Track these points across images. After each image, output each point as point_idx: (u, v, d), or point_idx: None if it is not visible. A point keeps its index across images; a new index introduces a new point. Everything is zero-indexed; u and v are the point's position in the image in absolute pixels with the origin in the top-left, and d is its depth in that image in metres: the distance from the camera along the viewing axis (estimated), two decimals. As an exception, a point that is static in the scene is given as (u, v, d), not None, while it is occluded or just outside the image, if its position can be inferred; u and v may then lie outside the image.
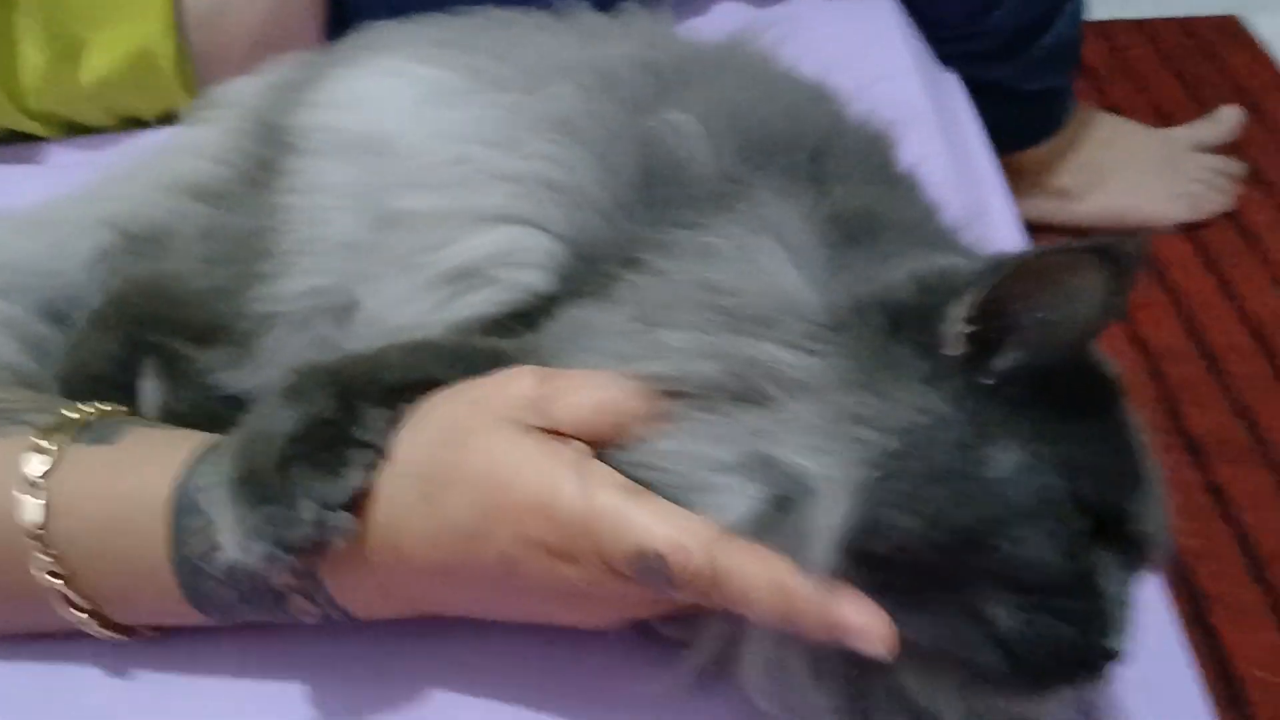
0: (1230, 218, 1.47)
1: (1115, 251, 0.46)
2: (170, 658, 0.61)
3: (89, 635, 0.59)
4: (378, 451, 0.53)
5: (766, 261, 0.53)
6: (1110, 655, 0.49)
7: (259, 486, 0.51)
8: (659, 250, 0.57)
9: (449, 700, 0.59)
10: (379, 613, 0.57)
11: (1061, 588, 0.48)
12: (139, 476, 0.57)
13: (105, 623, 0.58)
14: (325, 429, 0.53)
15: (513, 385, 0.53)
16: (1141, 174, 1.46)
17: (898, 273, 0.52)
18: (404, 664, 0.60)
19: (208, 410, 0.69)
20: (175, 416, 0.69)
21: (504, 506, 0.50)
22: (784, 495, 0.49)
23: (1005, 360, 0.49)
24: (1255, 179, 1.52)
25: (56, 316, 0.75)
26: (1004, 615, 0.48)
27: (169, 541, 0.55)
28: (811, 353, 0.50)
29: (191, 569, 0.55)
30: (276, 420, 0.53)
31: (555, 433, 0.52)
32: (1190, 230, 1.46)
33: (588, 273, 0.60)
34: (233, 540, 0.51)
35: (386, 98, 0.68)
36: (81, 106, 0.92)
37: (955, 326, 0.48)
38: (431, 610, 0.57)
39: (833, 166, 0.62)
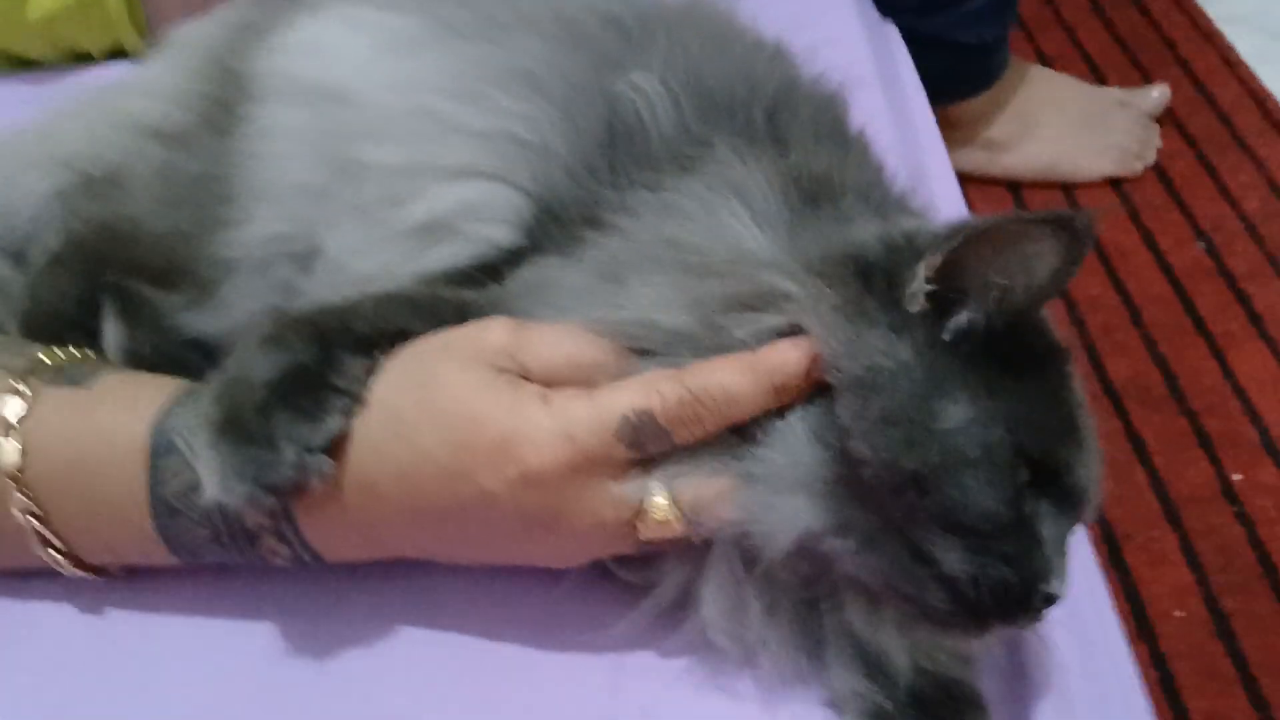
0: (1154, 171, 1.52)
1: (1070, 223, 0.50)
2: (139, 597, 0.62)
3: (61, 574, 0.60)
4: (355, 398, 0.55)
5: (730, 220, 0.56)
6: (1049, 598, 0.52)
7: (241, 429, 0.53)
8: (623, 211, 0.59)
9: (412, 639, 0.61)
10: (348, 555, 0.59)
11: (1003, 533, 0.51)
12: (114, 419, 0.58)
13: (78, 562, 0.60)
14: (305, 375, 0.54)
15: (485, 332, 0.55)
16: (1071, 127, 1.50)
17: (864, 233, 0.55)
18: (368, 605, 0.62)
19: (170, 354, 0.69)
20: (137, 359, 0.70)
21: (479, 444, 0.52)
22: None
23: (961, 319, 0.52)
24: (1180, 133, 1.57)
25: (13, 255, 0.74)
26: (951, 558, 0.51)
27: (145, 482, 0.56)
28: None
29: (166, 509, 0.56)
30: (257, 366, 0.54)
31: (526, 378, 0.54)
32: (1116, 183, 1.51)
33: (553, 229, 0.62)
34: (214, 480, 0.52)
35: (345, 45, 0.69)
36: (28, 42, 0.91)
37: (918, 285, 0.52)
38: (399, 553, 0.59)
39: (788, 126, 0.64)
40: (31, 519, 0.58)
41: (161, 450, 0.56)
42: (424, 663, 0.60)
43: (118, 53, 0.93)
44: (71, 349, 0.63)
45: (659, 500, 0.53)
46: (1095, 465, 0.55)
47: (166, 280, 0.70)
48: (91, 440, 0.58)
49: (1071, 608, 0.58)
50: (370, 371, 0.56)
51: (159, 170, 0.72)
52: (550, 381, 0.54)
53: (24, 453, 0.57)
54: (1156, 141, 1.54)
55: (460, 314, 0.58)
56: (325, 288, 0.65)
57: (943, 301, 0.52)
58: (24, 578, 0.62)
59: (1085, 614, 0.67)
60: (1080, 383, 0.56)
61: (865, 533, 0.52)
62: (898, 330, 0.52)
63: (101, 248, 0.72)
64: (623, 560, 0.58)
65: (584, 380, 0.54)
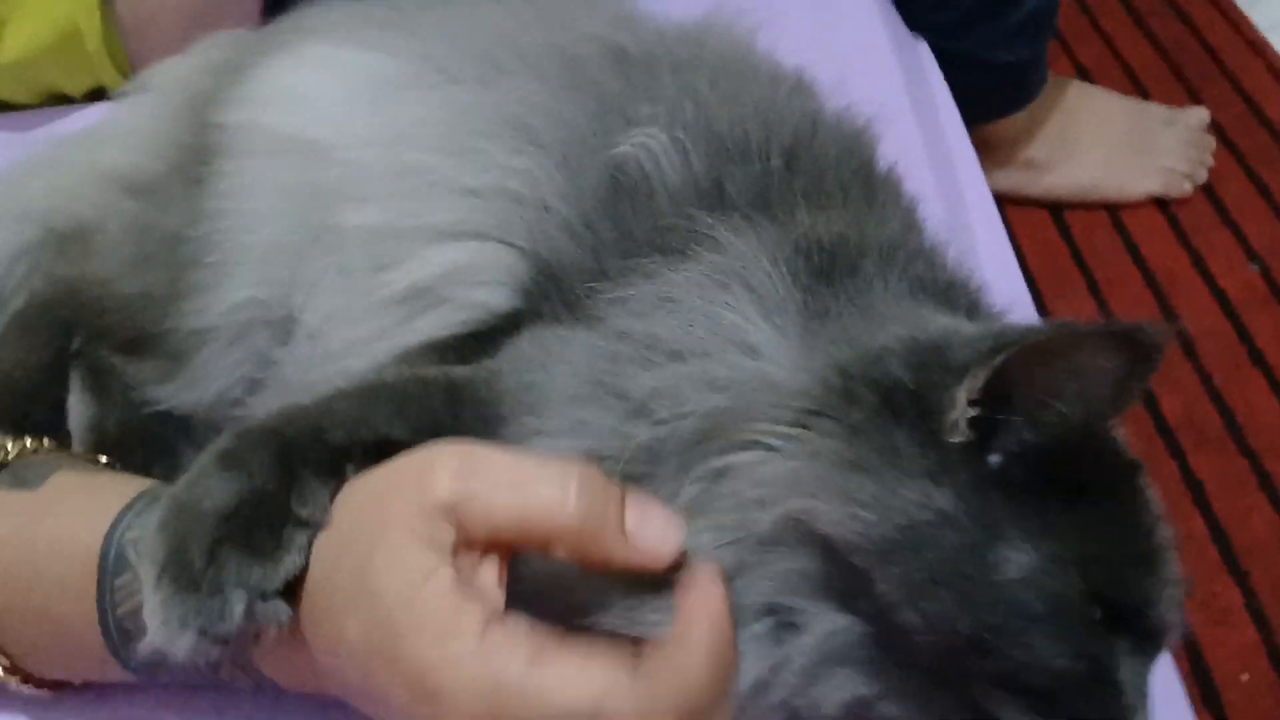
0: (1203, 190, 1.44)
1: (1134, 336, 0.43)
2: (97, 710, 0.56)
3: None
4: (318, 528, 0.48)
5: (735, 329, 0.49)
6: None
7: (185, 572, 0.46)
8: (621, 296, 0.53)
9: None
10: (309, 690, 0.52)
11: (1075, 688, 0.44)
12: (64, 529, 0.52)
13: (27, 678, 0.54)
14: (262, 504, 0.47)
15: (428, 480, 0.45)
16: (1114, 146, 1.43)
17: (886, 339, 0.47)
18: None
19: (139, 429, 0.65)
20: (103, 436, 0.65)
21: (399, 663, 0.44)
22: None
23: (1011, 444, 0.45)
24: (1228, 149, 1.49)
25: (-27, 319, 0.69)
26: (1012, 718, 0.44)
27: (96, 598, 0.50)
28: (793, 438, 0.46)
29: (120, 632, 0.51)
30: (210, 492, 0.47)
31: (469, 545, 0.45)
32: (1163, 204, 1.43)
33: (553, 292, 0.56)
34: (156, 625, 0.46)
35: (320, 94, 0.63)
36: (3, 84, 0.86)
37: (958, 412, 0.44)
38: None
39: (808, 171, 0.58)
40: None
41: (113, 567, 0.50)
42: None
43: (98, 93, 0.87)
44: (25, 440, 0.58)
45: None
46: (1177, 590, 0.48)
47: (136, 349, 0.66)
48: (39, 552, 0.52)
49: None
50: (335, 494, 0.48)
51: (130, 227, 0.68)
52: (498, 543, 0.45)
53: None
54: (1208, 160, 1.46)
55: (452, 400, 0.52)
56: (304, 359, 0.60)
57: (986, 425, 0.45)
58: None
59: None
60: (1154, 497, 0.49)
61: (919, 696, 0.45)
62: (934, 473, 0.44)
63: (68, 311, 0.67)
64: None
65: (540, 542, 0.45)
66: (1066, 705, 0.44)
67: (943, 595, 0.43)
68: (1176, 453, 1.11)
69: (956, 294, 0.54)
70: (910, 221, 0.61)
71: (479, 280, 0.57)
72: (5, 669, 0.53)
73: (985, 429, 0.45)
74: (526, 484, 0.45)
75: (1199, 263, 1.35)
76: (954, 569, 0.43)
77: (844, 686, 0.46)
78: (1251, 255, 1.36)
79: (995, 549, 0.44)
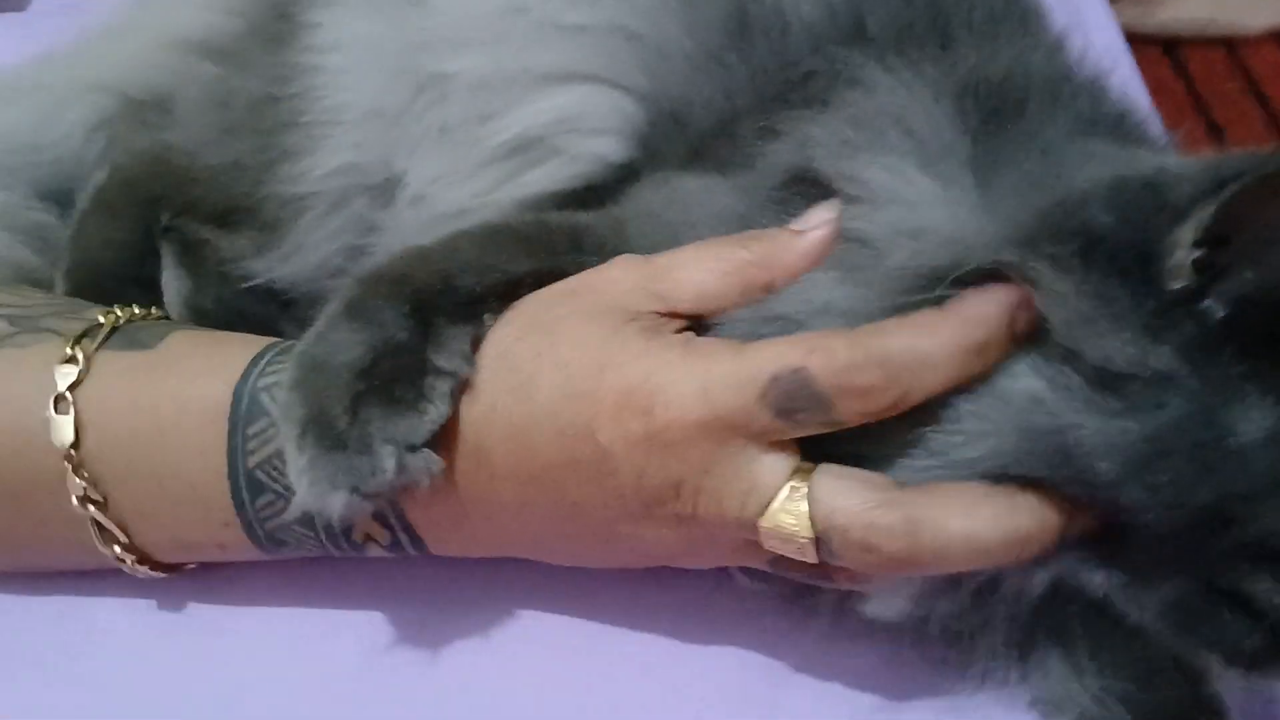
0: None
1: None
2: (216, 595, 0.54)
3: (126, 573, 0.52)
4: (461, 378, 0.45)
5: (904, 188, 0.45)
6: None
7: (329, 430, 0.44)
8: (766, 132, 0.49)
9: (530, 636, 0.53)
10: (454, 544, 0.50)
11: None
12: (189, 382, 0.49)
13: (143, 558, 0.51)
14: (399, 357, 0.45)
15: (610, 273, 0.46)
16: (1231, -25, 1.35)
17: (1081, 181, 0.42)
18: (477, 601, 0.53)
19: (238, 306, 0.62)
20: (202, 314, 0.62)
21: (601, 393, 0.43)
22: None
23: (1237, 290, 0.40)
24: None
25: (55, 198, 0.66)
26: (1264, 588, 0.41)
27: (225, 450, 0.48)
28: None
29: (250, 483, 0.48)
30: (342, 347, 0.45)
31: (672, 314, 0.45)
32: (1285, 36, 1.35)
33: (676, 137, 0.52)
34: (304, 487, 0.44)
35: None
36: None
37: (1182, 255, 0.40)
38: (509, 545, 0.50)
39: (955, 2, 0.53)
40: (90, 507, 0.49)
41: (245, 414, 0.48)
42: (539, 664, 0.52)
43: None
44: (133, 307, 0.54)
45: (792, 503, 0.42)
46: None
47: (228, 221, 0.63)
48: (161, 408, 0.49)
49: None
50: (478, 341, 0.46)
51: (212, 92, 0.64)
52: (704, 304, 0.45)
53: (81, 428, 0.48)
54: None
55: (575, 244, 0.49)
56: (409, 224, 0.57)
57: (1215, 270, 0.40)
58: (88, 578, 0.54)
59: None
60: None
61: (1139, 568, 0.42)
62: (1155, 325, 0.40)
63: (153, 185, 0.64)
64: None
65: (744, 290, 0.45)
66: None
67: (1173, 466, 0.39)
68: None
69: (1128, 128, 0.49)
70: (1066, 53, 0.55)
71: (593, 128, 0.53)
72: (123, 546, 0.50)
73: (1216, 273, 0.40)
74: (707, 248, 0.46)
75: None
76: (1181, 435, 0.39)
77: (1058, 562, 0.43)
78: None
79: (1230, 409, 0.39)
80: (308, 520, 0.48)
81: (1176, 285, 0.40)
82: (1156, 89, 1.30)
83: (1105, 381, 0.40)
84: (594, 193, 0.53)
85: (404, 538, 0.49)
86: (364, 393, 0.44)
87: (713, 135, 0.52)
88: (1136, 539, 0.41)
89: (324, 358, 0.45)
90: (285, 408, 0.45)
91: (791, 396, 0.41)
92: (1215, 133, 1.24)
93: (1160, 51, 1.33)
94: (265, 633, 0.53)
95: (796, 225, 0.45)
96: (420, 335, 0.45)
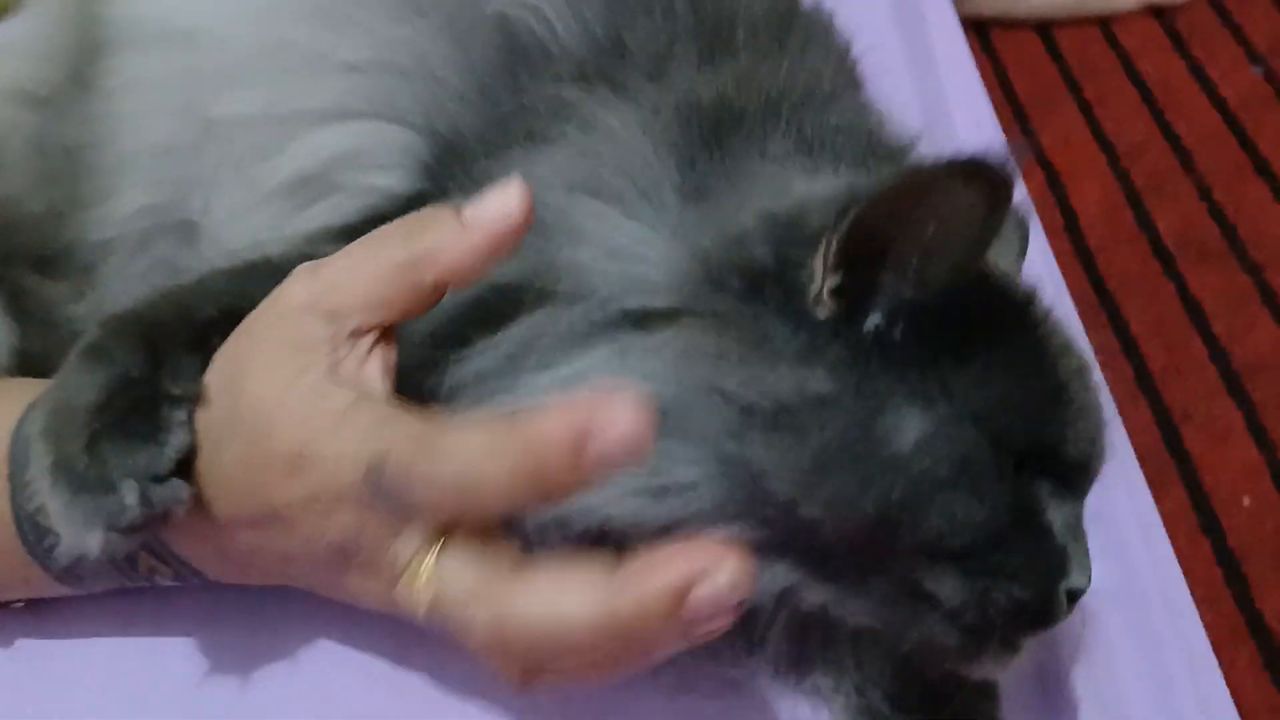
0: (1200, -7, 1.37)
1: (981, 169, 0.40)
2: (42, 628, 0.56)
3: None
4: (192, 402, 0.46)
5: (598, 229, 0.46)
6: (1075, 594, 0.44)
7: (73, 473, 0.45)
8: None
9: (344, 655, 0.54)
10: (237, 578, 0.51)
11: (1000, 541, 0.43)
12: None
13: None
14: (132, 390, 0.46)
15: (283, 299, 0.46)
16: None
17: (747, 216, 0.44)
18: (294, 613, 0.54)
19: (63, 351, 0.62)
20: (29, 359, 0.63)
21: (270, 459, 0.44)
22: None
23: (889, 305, 0.42)
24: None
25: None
26: (948, 590, 0.43)
27: (10, 495, 0.49)
28: (661, 330, 0.44)
29: (34, 528, 0.49)
30: (79, 388, 0.46)
31: (353, 332, 0.45)
32: (1157, 11, 1.36)
33: (457, 168, 0.53)
34: (65, 530, 0.45)
35: None
36: (-95, 5, 0.82)
37: (818, 284, 0.42)
38: (286, 581, 0.51)
39: (715, 15, 0.55)
40: None
41: (19, 461, 0.49)
42: (354, 680, 0.53)
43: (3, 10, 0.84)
44: None
45: (422, 576, 0.42)
46: (1096, 418, 0.46)
47: (48, 267, 0.63)
48: None
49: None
50: (206, 364, 0.48)
51: (31, 140, 0.65)
52: (380, 320, 0.45)
53: None
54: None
55: None
56: (211, 262, 0.57)
57: (855, 292, 0.42)
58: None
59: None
60: (1056, 329, 0.46)
61: (840, 577, 0.44)
62: (807, 351, 0.42)
63: (-19, 235, 0.65)
64: None
65: (417, 296, 0.45)
66: (996, 560, 0.43)
67: (836, 479, 0.41)
68: (1173, 273, 1.07)
69: (846, 142, 0.50)
70: (828, 62, 0.57)
71: (373, 164, 0.54)
72: None
73: (856, 295, 0.42)
74: (370, 252, 0.45)
75: (1197, 70, 1.28)
76: (841, 451, 0.41)
77: (770, 580, 0.44)
78: (1254, 57, 1.30)
79: (882, 421, 0.41)
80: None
81: (822, 314, 0.42)
82: (1030, 71, 1.33)
83: (772, 412, 0.42)
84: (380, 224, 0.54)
85: (183, 569, 0.50)
86: (99, 431, 0.45)
87: (487, 166, 0.52)
88: (834, 552, 0.43)
89: (64, 402, 0.46)
90: (37, 456, 0.46)
91: (380, 484, 0.41)
92: (1088, 109, 1.26)
93: (1033, 33, 1.35)
94: (90, 664, 0.54)
95: (467, 211, 0.45)
96: (153, 367, 0.46)
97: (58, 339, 0.63)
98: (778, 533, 0.43)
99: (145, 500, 0.44)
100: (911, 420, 0.42)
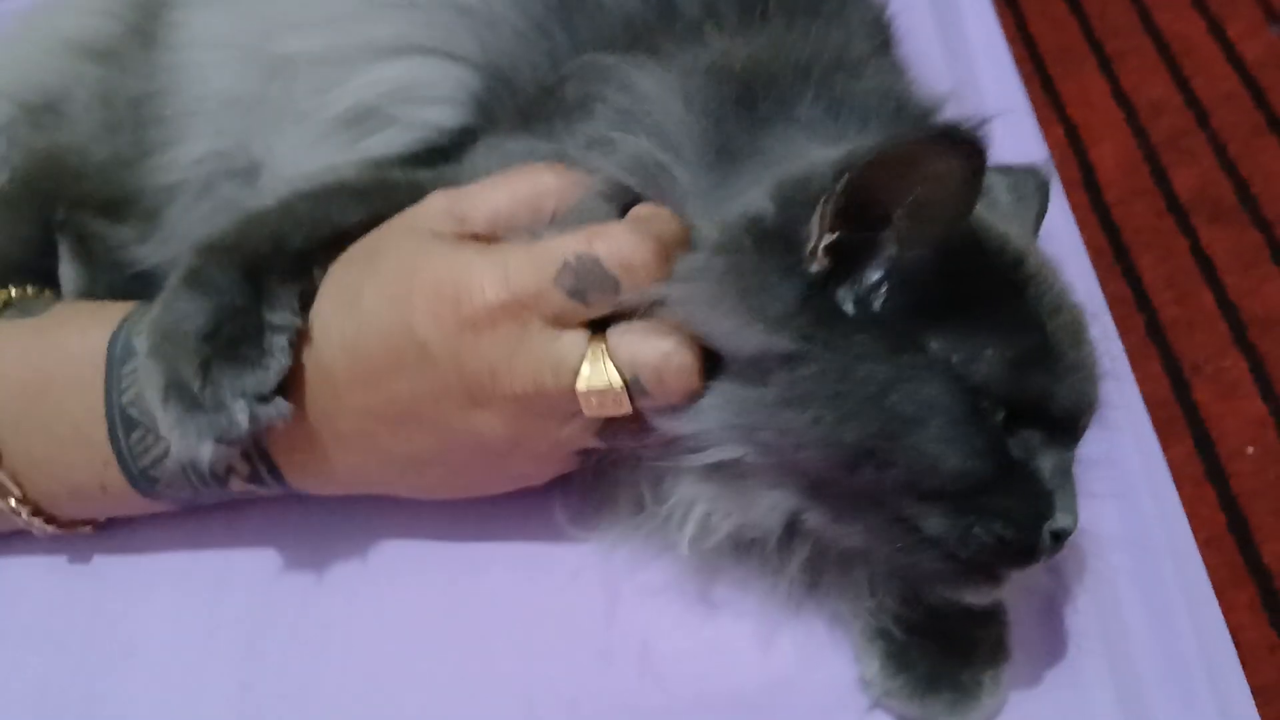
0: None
1: (953, 134, 0.43)
2: (114, 551, 0.60)
3: (28, 534, 0.58)
4: (295, 330, 0.51)
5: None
6: (1059, 535, 0.47)
7: (186, 392, 0.49)
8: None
9: (399, 572, 0.58)
10: (313, 479, 0.55)
11: (987, 484, 0.46)
12: (68, 335, 0.55)
13: (36, 510, 0.56)
14: (237, 319, 0.50)
15: (420, 208, 0.52)
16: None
17: (769, 179, 0.48)
18: (353, 540, 0.59)
19: (127, 292, 0.65)
20: (95, 300, 0.66)
21: (414, 288, 0.49)
22: None
23: (875, 263, 0.46)
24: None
25: (-40, 201, 0.71)
26: (932, 523, 0.46)
27: (104, 390, 0.53)
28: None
29: (124, 420, 0.53)
30: (186, 315, 0.50)
31: (471, 235, 0.51)
32: (1179, -32, 1.37)
33: (508, 100, 0.56)
34: (177, 442, 0.50)
35: None
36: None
37: (814, 242, 0.45)
38: (365, 476, 0.55)
39: None
40: None
41: (120, 355, 0.53)
42: (412, 598, 0.57)
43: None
44: (26, 288, 0.60)
45: (597, 359, 0.48)
46: (1085, 373, 0.49)
47: (115, 212, 0.67)
48: (48, 358, 0.54)
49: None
50: (309, 295, 0.52)
51: (96, 92, 0.69)
52: (498, 225, 0.51)
53: None
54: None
55: (412, 193, 0.53)
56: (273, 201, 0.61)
57: (848, 250, 0.46)
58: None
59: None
60: (1047, 275, 0.49)
61: (837, 504, 0.48)
62: (798, 305, 0.46)
63: (49, 181, 0.68)
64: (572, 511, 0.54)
65: (534, 210, 0.51)
66: (982, 501, 0.46)
67: (814, 415, 0.45)
68: (1187, 228, 1.09)
69: (876, 105, 0.53)
70: (863, 23, 0.59)
71: (426, 97, 0.57)
72: (17, 499, 0.55)
73: (849, 252, 0.45)
74: (508, 178, 0.52)
75: (1215, 28, 1.29)
76: (818, 391, 0.45)
77: (776, 502, 0.48)
78: (1273, 16, 1.30)
79: (863, 364, 0.45)
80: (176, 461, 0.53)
81: (814, 269, 0.46)
82: (1051, 26, 1.33)
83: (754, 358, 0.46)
84: (435, 156, 0.57)
85: (262, 468, 0.54)
86: (212, 356, 0.49)
87: (539, 101, 0.56)
88: (827, 481, 0.47)
89: (172, 326, 0.50)
90: (145, 374, 0.50)
91: (581, 277, 0.47)
92: (1107, 65, 1.27)
93: (1003, 6, 1.35)
94: (162, 581, 0.59)
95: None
96: (255, 297, 0.50)
97: (123, 280, 0.67)
98: (776, 459, 0.47)
99: (253, 417, 0.49)
100: (881, 367, 0.45)
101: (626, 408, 0.48)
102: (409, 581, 0.58)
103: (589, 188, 0.50)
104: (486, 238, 0.51)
